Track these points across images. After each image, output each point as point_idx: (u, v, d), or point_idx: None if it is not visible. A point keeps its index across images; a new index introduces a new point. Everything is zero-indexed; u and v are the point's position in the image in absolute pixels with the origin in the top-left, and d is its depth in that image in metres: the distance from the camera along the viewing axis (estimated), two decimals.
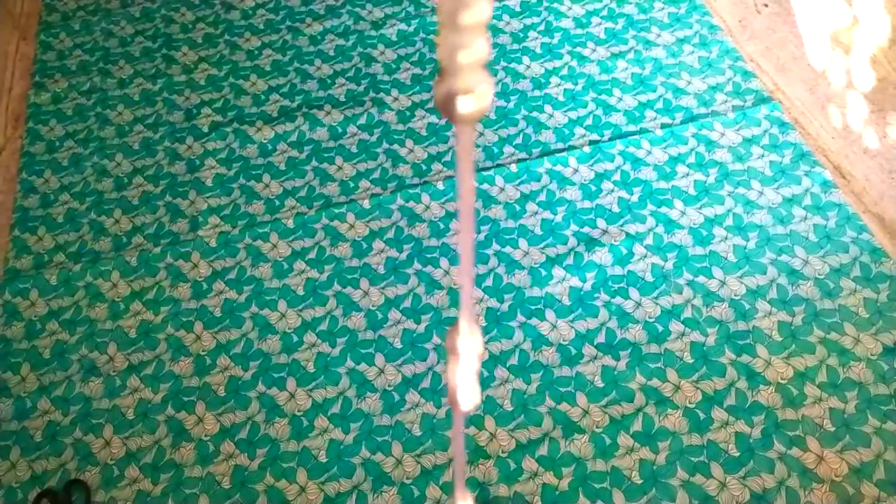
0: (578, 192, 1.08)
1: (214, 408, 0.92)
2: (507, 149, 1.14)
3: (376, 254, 1.04)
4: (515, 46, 1.28)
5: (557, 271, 1.00)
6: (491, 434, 0.88)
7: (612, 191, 1.07)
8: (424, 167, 1.13)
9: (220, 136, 1.19)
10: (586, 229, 1.04)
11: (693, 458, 0.84)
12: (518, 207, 1.07)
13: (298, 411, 0.91)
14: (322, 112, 1.21)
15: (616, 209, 1.05)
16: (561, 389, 0.90)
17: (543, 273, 1.00)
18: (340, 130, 1.19)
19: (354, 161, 1.15)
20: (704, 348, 0.92)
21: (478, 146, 1.15)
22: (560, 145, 1.13)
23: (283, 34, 1.34)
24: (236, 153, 1.17)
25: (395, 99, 1.22)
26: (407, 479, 0.86)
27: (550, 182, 1.09)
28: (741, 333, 0.93)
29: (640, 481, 0.83)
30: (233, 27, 1.36)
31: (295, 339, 0.97)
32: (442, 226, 1.06)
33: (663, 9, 1.30)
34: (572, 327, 0.95)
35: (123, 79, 1.30)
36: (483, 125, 1.17)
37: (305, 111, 1.21)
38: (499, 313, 0.97)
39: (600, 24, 1.29)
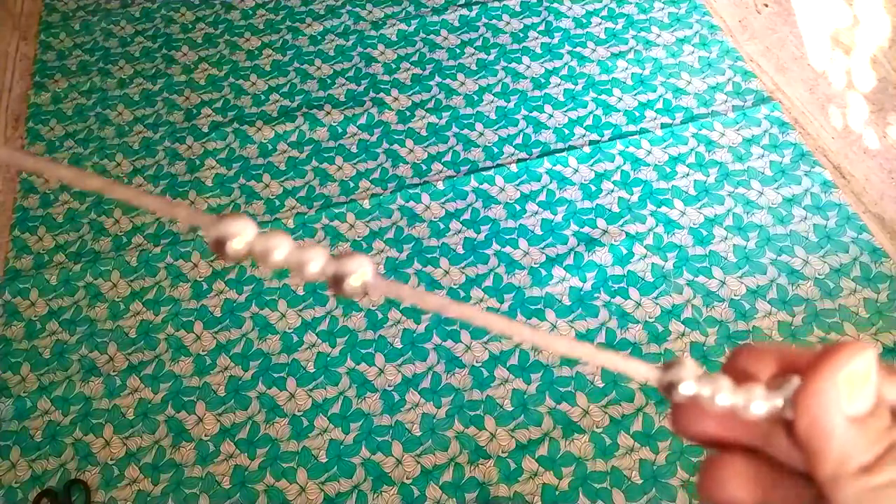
0: (578, 191, 1.08)
1: (214, 408, 0.92)
2: (507, 149, 1.14)
3: (376, 254, 1.04)
4: (515, 46, 1.28)
5: (557, 271, 1.00)
6: (491, 434, 0.88)
7: (612, 191, 1.07)
8: (424, 167, 1.13)
9: (220, 136, 1.19)
10: (586, 229, 1.04)
11: (693, 458, 0.84)
12: (518, 207, 1.07)
13: (298, 411, 0.91)
14: (322, 112, 1.21)
15: (616, 209, 1.05)
16: (561, 389, 0.90)
17: (543, 273, 1.00)
18: (340, 130, 1.19)
19: (354, 161, 1.15)
20: (704, 348, 0.92)
21: (478, 146, 1.15)
22: (560, 145, 1.13)
23: (283, 34, 1.34)
24: (236, 153, 1.17)
25: (395, 99, 1.22)
26: (407, 479, 0.86)
27: (550, 182, 1.09)
28: (741, 333, 0.93)
29: (640, 481, 0.83)
30: (233, 27, 1.36)
31: (295, 339, 0.97)
32: (442, 226, 1.06)
33: (663, 9, 1.30)
34: (572, 327, 0.95)
35: (123, 79, 1.30)
36: (483, 125, 1.17)
37: (305, 111, 1.21)
38: (499, 313, 0.97)
39: (600, 24, 1.29)
